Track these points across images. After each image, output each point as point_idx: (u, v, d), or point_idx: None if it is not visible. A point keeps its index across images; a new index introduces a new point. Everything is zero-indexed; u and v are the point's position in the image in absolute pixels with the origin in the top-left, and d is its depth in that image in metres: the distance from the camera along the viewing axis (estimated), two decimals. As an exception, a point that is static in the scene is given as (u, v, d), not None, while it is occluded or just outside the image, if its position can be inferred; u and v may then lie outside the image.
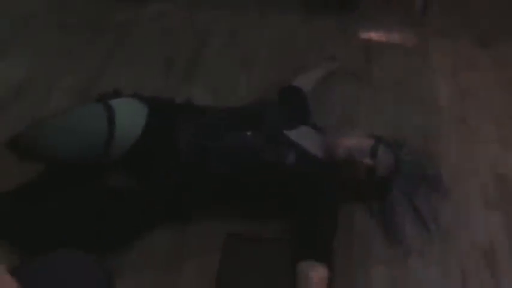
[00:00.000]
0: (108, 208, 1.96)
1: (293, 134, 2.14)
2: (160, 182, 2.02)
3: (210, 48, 3.11)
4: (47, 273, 1.44)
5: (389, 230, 2.12)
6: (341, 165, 2.12)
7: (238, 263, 1.96)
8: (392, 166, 2.14)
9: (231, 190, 2.06)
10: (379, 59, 3.10)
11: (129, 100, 2.20)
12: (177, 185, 2.02)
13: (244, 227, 2.09)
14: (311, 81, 2.57)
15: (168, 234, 2.07)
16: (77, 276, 1.46)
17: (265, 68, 2.96)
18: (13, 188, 2.04)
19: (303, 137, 2.16)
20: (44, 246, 1.82)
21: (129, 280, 1.91)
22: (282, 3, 3.53)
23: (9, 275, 1.21)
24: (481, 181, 2.39)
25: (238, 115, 2.20)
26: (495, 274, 2.04)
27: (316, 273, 1.83)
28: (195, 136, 2.07)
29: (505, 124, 2.69)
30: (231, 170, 2.03)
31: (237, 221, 2.11)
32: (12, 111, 2.54)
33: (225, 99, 2.69)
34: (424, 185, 2.19)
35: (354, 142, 2.13)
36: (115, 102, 2.11)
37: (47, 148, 2.03)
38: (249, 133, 2.10)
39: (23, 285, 1.22)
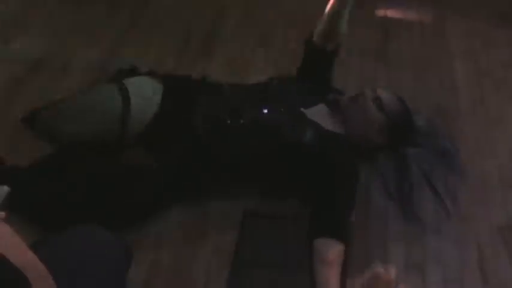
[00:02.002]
0: (126, 184, 1.97)
1: (310, 112, 2.13)
2: (178, 160, 2.02)
3: (228, 23, 3.11)
4: (66, 248, 1.45)
5: (406, 207, 2.11)
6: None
7: (255, 240, 1.98)
8: (403, 113, 2.12)
9: (248, 167, 2.06)
10: (396, 37, 3.09)
11: (144, 79, 2.21)
12: (195, 162, 2.03)
13: (261, 204, 2.10)
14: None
15: (186, 211, 2.08)
16: (96, 251, 1.47)
17: (283, 44, 2.95)
18: (31, 162, 2.05)
19: (320, 114, 2.15)
20: (62, 222, 1.83)
21: (146, 255, 1.93)
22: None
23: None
24: (498, 161, 2.39)
25: (255, 92, 2.19)
26: (511, 252, 2.03)
27: (332, 250, 1.84)
28: (212, 113, 2.07)
29: (523, 103, 2.68)
30: (250, 147, 2.03)
31: (255, 198, 2.12)
32: (29, 86, 2.54)
33: (242, 74, 2.69)
34: (441, 161, 2.18)
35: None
36: (130, 82, 2.13)
37: (63, 130, 2.06)
38: (265, 110, 2.10)
39: (43, 260, 1.23)
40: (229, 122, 2.05)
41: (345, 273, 1.82)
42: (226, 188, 2.12)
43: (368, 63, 2.86)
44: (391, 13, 3.28)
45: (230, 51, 2.88)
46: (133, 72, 2.36)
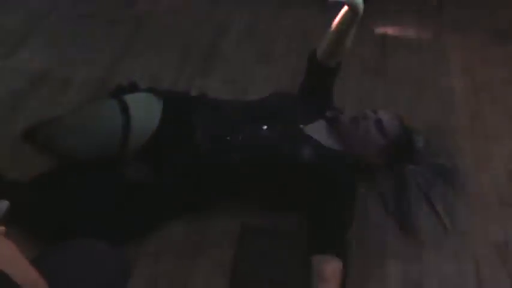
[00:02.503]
0: (126, 200, 1.98)
1: (309, 129, 2.14)
2: (177, 175, 2.03)
3: (227, 40, 3.13)
4: (65, 262, 1.46)
5: (405, 224, 2.13)
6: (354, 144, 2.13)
7: (253, 255, 1.98)
8: (403, 136, 2.13)
9: (247, 183, 2.07)
10: (395, 53, 3.10)
11: (144, 95, 2.22)
12: (193, 178, 2.04)
13: (260, 220, 2.11)
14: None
15: (185, 226, 2.09)
16: (94, 265, 1.48)
17: (283, 61, 2.97)
18: (32, 177, 2.06)
19: (319, 131, 2.16)
20: (62, 236, 1.84)
21: (145, 269, 1.94)
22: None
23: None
24: (495, 177, 2.39)
25: (254, 109, 2.21)
26: (509, 269, 2.04)
27: (330, 267, 1.85)
28: (212, 129, 2.08)
29: (520, 120, 2.69)
30: (248, 163, 2.04)
31: (253, 213, 2.12)
32: (30, 101, 2.56)
33: (242, 92, 2.70)
34: (439, 179, 2.19)
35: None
36: (130, 98, 2.14)
37: (63, 145, 2.07)
38: (264, 127, 2.11)
39: (43, 275, 1.23)
40: (228, 138, 2.07)
41: (343, 290, 1.83)
42: (225, 204, 2.13)
43: (367, 80, 2.88)
44: (390, 30, 3.30)
45: (230, 68, 2.90)
46: (133, 88, 2.38)
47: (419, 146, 2.18)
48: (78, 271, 1.43)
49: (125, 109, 2.07)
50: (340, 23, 2.12)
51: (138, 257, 1.95)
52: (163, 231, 2.05)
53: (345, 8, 2.07)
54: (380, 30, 3.27)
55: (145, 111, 2.11)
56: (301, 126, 2.14)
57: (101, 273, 1.48)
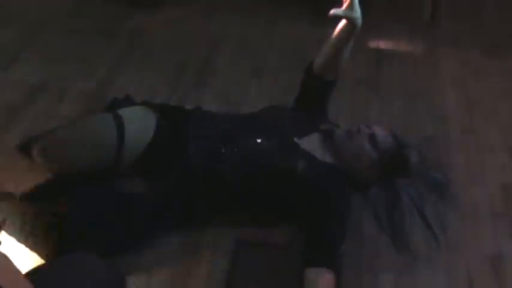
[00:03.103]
0: (120, 213, 1.98)
1: (303, 142, 2.15)
2: (171, 188, 2.04)
3: (220, 55, 3.14)
4: (59, 276, 1.46)
5: (397, 237, 2.13)
6: (347, 159, 2.14)
7: (247, 269, 1.98)
8: (397, 153, 2.13)
9: (241, 197, 2.08)
10: (388, 68, 3.12)
11: (139, 108, 2.24)
12: (188, 191, 2.04)
13: (254, 233, 2.11)
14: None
15: (179, 239, 2.09)
16: (88, 279, 1.49)
17: (276, 75, 2.98)
18: (26, 190, 2.06)
19: (313, 144, 2.17)
20: (56, 249, 1.85)
21: (139, 283, 1.93)
22: (292, 10, 3.57)
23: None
24: (488, 190, 2.40)
25: (248, 122, 2.22)
26: (501, 282, 2.05)
27: (323, 279, 1.85)
28: (206, 142, 2.09)
29: (512, 133, 2.71)
30: (242, 177, 2.05)
31: (247, 226, 2.13)
32: (25, 114, 2.57)
33: (235, 106, 2.71)
34: (432, 192, 2.20)
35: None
36: (124, 112, 2.15)
37: (58, 158, 2.07)
38: (259, 140, 2.12)
39: None
40: (223, 151, 2.07)
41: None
42: (219, 216, 2.13)
43: (360, 93, 2.90)
44: (383, 44, 3.32)
45: (224, 82, 2.91)
46: (128, 101, 2.39)
47: (413, 161, 2.19)
48: (72, 285, 1.44)
49: (119, 122, 2.08)
50: (339, 36, 2.14)
51: (130, 271, 1.95)
52: (155, 244, 2.05)
53: (343, 21, 2.09)
54: (373, 43, 3.29)
55: (140, 124, 2.12)
56: (295, 139, 2.15)
57: (94, 286, 1.48)
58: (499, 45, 3.37)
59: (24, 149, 2.17)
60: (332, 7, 2.02)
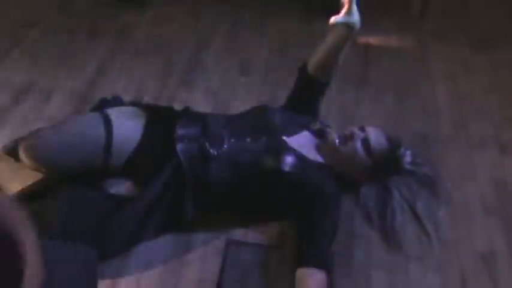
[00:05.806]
0: (108, 215, 1.97)
1: (293, 140, 2.14)
2: (160, 188, 2.02)
3: (209, 52, 3.13)
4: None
5: (389, 236, 2.12)
6: (338, 158, 2.13)
7: (238, 269, 1.97)
8: (386, 147, 2.14)
9: (231, 196, 2.07)
10: (377, 63, 3.12)
11: (127, 108, 2.23)
12: (176, 191, 2.03)
13: (244, 233, 2.10)
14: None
15: (168, 240, 2.07)
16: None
17: (265, 73, 2.97)
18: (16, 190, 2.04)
19: (303, 142, 2.16)
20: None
21: (128, 284, 1.92)
22: (281, 7, 3.55)
23: None
24: (479, 186, 2.40)
25: (237, 121, 2.20)
26: (494, 280, 2.04)
27: (314, 279, 1.84)
28: (194, 142, 2.07)
29: (503, 128, 2.71)
30: (231, 176, 2.04)
31: (238, 226, 2.12)
32: (12, 115, 2.55)
33: (224, 105, 2.70)
34: (423, 189, 2.19)
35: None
36: (113, 112, 2.13)
37: (46, 159, 2.05)
38: (248, 139, 2.10)
39: None
40: (211, 150, 2.06)
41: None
42: (209, 217, 2.12)
43: (349, 89, 2.89)
44: (372, 40, 3.31)
45: (211, 81, 2.90)
46: (116, 101, 2.37)
47: (406, 161, 2.18)
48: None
49: (107, 123, 2.07)
50: (336, 40, 2.13)
51: (121, 272, 1.94)
52: (145, 245, 2.03)
53: (340, 25, 2.09)
54: (362, 39, 3.28)
55: (128, 125, 2.11)
56: (284, 137, 2.14)
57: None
58: (488, 39, 3.37)
59: (11, 150, 2.15)
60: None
